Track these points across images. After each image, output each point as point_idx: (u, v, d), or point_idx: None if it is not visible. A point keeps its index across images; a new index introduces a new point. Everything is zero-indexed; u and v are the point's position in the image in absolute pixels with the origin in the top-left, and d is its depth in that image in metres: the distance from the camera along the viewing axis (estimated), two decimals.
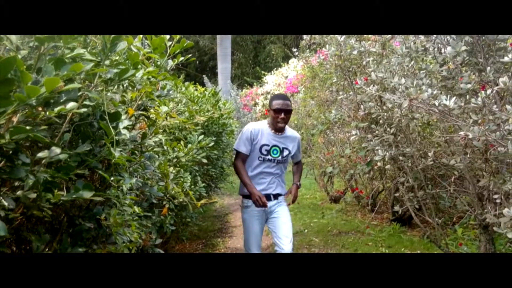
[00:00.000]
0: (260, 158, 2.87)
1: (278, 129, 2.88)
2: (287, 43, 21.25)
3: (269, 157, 2.86)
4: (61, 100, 0.92)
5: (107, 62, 1.12)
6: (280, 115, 2.80)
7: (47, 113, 0.91)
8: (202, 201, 2.47)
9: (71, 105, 0.91)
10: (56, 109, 0.89)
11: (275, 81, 13.45)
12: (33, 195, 0.93)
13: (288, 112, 2.81)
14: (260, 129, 2.90)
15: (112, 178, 1.12)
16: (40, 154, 0.94)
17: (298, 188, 3.03)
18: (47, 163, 0.97)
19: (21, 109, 0.87)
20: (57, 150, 0.94)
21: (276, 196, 2.93)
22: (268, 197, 2.86)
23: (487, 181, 2.53)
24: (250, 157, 2.90)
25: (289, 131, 3.00)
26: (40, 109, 1.02)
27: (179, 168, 2.77)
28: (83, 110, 0.99)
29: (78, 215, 1.23)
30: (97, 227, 1.25)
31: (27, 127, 0.85)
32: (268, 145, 2.86)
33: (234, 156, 3.03)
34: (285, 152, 2.91)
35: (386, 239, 4.84)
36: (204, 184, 3.16)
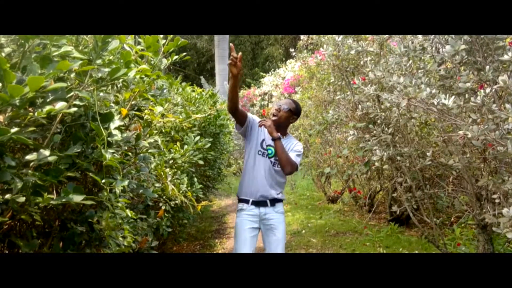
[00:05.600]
0: (259, 152, 2.78)
1: (278, 128, 2.77)
2: (285, 44, 21.23)
3: (266, 153, 2.78)
4: (48, 100, 0.88)
5: (99, 61, 1.09)
6: (274, 108, 2.82)
7: (36, 113, 0.88)
8: (203, 203, 2.42)
9: (60, 105, 0.88)
10: (45, 110, 0.86)
11: (273, 82, 13.43)
12: (22, 199, 0.89)
13: (280, 110, 2.77)
14: None
15: (103, 181, 1.08)
16: (28, 157, 0.91)
17: (277, 137, 2.69)
18: (35, 165, 0.94)
19: (8, 110, 0.84)
20: (46, 152, 0.91)
21: (273, 202, 2.76)
22: (264, 203, 2.74)
23: (486, 181, 2.51)
24: (249, 151, 2.81)
25: (290, 139, 2.89)
26: (30, 109, 0.99)
27: (175, 170, 2.74)
28: (73, 110, 0.95)
29: (70, 219, 1.20)
30: (90, 230, 1.22)
31: (14, 129, 0.81)
32: (266, 142, 2.79)
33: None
34: None
35: (384, 239, 4.82)
36: (201, 185, 3.12)
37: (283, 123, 2.82)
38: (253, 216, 2.74)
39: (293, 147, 2.83)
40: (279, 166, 2.76)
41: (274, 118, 2.78)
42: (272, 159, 2.77)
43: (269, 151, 2.77)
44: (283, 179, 2.85)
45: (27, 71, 0.85)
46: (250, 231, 2.73)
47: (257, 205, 2.74)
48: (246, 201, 2.76)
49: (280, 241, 2.74)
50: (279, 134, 2.71)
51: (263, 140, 2.79)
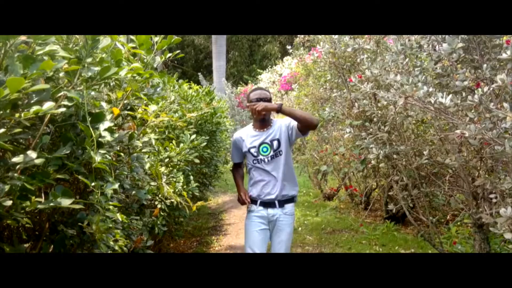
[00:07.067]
0: (254, 161, 2.74)
1: (263, 122, 2.72)
2: (282, 41, 21.20)
3: (260, 156, 2.71)
4: (32, 101, 0.86)
5: (89, 59, 1.06)
6: (258, 105, 2.64)
7: (22, 114, 0.85)
8: (198, 204, 2.41)
9: (48, 105, 0.85)
10: (32, 110, 0.83)
11: (270, 78, 13.40)
12: (8, 203, 0.87)
13: (268, 100, 2.69)
14: (242, 135, 2.81)
15: (93, 184, 1.06)
16: (14, 159, 0.88)
17: (279, 108, 2.58)
18: (22, 168, 0.92)
19: None
20: (33, 155, 0.88)
21: (282, 203, 2.71)
22: (272, 203, 2.70)
23: (483, 180, 2.50)
24: (248, 163, 2.81)
25: (275, 122, 2.78)
26: (20, 109, 0.96)
27: (171, 168, 2.72)
28: (61, 110, 0.93)
29: (61, 221, 1.18)
30: (81, 233, 1.19)
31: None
32: (255, 146, 2.73)
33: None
34: (275, 144, 2.70)
35: (380, 237, 4.82)
36: (196, 184, 3.10)
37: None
38: (261, 218, 2.72)
39: (286, 122, 2.72)
40: (280, 153, 2.67)
41: (264, 112, 2.63)
42: (271, 153, 2.67)
43: (264, 149, 2.71)
44: (284, 160, 2.69)
45: (8, 72, 0.82)
46: (259, 233, 2.71)
47: (264, 206, 2.72)
48: (255, 202, 2.75)
49: (284, 243, 2.73)
50: (277, 103, 2.62)
51: (249, 149, 2.73)
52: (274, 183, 2.69)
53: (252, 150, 2.73)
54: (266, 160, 2.70)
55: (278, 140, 2.71)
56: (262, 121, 2.75)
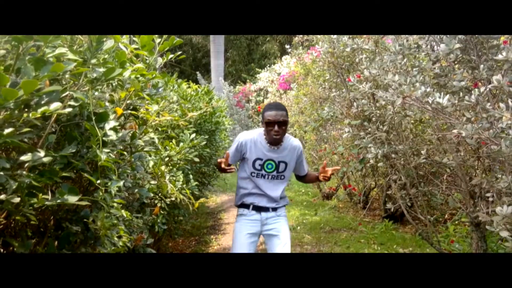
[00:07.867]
0: (253, 174, 2.60)
1: (273, 143, 2.54)
2: (281, 41, 21.24)
3: (263, 172, 2.59)
4: (43, 102, 0.88)
5: (93, 60, 1.08)
6: (273, 128, 2.45)
7: (30, 114, 0.87)
8: (201, 200, 2.41)
9: (55, 105, 0.87)
10: (39, 110, 0.85)
11: (269, 77, 13.43)
12: (17, 200, 0.89)
13: (283, 123, 2.45)
14: (252, 140, 2.59)
15: (98, 181, 1.08)
16: (23, 157, 0.90)
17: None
18: (30, 166, 0.94)
19: (1, 112, 0.83)
20: (41, 153, 0.90)
21: (275, 208, 2.64)
22: (266, 209, 2.62)
23: (480, 179, 2.53)
24: (243, 168, 2.65)
25: (288, 141, 2.61)
26: (26, 110, 0.98)
27: (171, 167, 2.74)
28: (68, 110, 0.95)
29: (66, 218, 1.20)
30: (85, 230, 1.21)
31: (7, 130, 0.81)
32: (261, 159, 2.57)
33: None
34: (282, 166, 2.59)
35: (378, 236, 4.86)
36: (196, 183, 3.11)
37: None
38: (253, 221, 2.62)
39: (299, 152, 2.66)
40: (282, 178, 2.62)
41: (278, 136, 2.48)
42: (274, 173, 2.59)
43: (269, 166, 2.58)
44: (284, 184, 2.68)
45: (21, 74, 0.85)
46: (248, 237, 2.60)
47: (258, 210, 2.62)
48: (247, 206, 2.64)
49: (286, 244, 2.57)
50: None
51: (255, 160, 2.58)
52: (268, 199, 2.62)
53: (257, 163, 2.58)
54: (267, 177, 2.60)
55: (286, 164, 2.60)
56: (276, 142, 2.56)
